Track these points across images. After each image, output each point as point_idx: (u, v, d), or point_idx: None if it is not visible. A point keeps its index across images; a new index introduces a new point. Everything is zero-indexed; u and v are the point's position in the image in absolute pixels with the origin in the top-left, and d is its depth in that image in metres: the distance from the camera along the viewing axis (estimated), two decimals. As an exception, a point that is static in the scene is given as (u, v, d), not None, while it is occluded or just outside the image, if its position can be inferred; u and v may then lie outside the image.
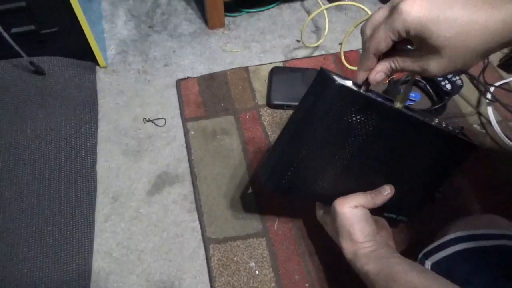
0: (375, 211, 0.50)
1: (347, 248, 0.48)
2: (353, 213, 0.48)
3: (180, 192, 0.70)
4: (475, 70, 0.83)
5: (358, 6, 0.82)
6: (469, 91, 0.83)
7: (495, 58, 0.87)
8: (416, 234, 0.64)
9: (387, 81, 0.81)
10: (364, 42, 0.39)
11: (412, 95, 0.80)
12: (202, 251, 0.64)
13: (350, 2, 0.83)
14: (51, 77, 0.80)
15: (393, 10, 0.34)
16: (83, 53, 0.81)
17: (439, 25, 0.33)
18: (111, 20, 0.95)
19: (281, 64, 0.87)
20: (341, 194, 0.49)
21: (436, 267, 0.47)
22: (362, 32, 0.39)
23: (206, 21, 0.94)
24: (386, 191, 0.50)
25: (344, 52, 0.81)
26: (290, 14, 0.97)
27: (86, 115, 0.78)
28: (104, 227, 0.66)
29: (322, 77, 0.44)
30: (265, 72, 0.85)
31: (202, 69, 0.86)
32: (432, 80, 0.80)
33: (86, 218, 0.66)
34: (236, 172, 0.72)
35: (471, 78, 0.83)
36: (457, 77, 0.79)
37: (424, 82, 0.81)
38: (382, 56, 0.40)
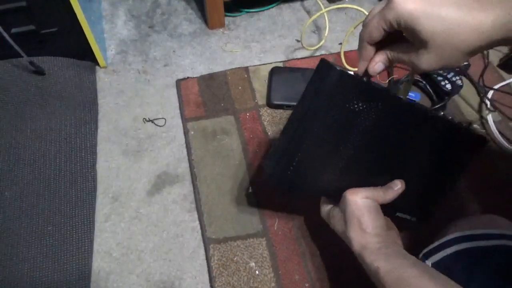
0: (388, 211, 0.49)
1: (356, 239, 0.46)
2: (364, 202, 0.47)
3: (180, 192, 0.70)
4: (475, 71, 0.83)
5: (357, 9, 0.82)
6: (469, 91, 0.83)
7: (495, 58, 0.87)
8: (416, 234, 0.64)
9: (387, 81, 0.81)
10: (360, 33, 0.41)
11: (412, 95, 0.81)
12: (202, 251, 0.64)
13: (349, 5, 0.83)
14: (51, 77, 0.80)
15: (389, 2, 0.36)
16: (83, 53, 0.81)
17: (429, 20, 0.34)
18: (111, 20, 0.95)
19: (281, 64, 0.87)
20: (348, 188, 0.48)
21: (436, 267, 0.47)
22: (362, 25, 0.41)
23: (206, 21, 0.94)
24: (397, 186, 0.49)
25: (344, 52, 0.81)
26: (290, 14, 0.97)
27: (86, 115, 0.78)
28: (104, 227, 0.66)
29: (323, 66, 0.44)
30: (265, 72, 0.85)
31: (202, 69, 0.86)
32: (432, 80, 0.80)
33: (86, 218, 0.66)
34: (236, 172, 0.72)
35: (471, 81, 0.83)
36: (457, 77, 0.79)
37: (424, 82, 0.81)
38: (380, 48, 0.41)
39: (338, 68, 0.41)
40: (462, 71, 0.81)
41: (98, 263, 0.63)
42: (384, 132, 0.46)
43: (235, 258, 0.63)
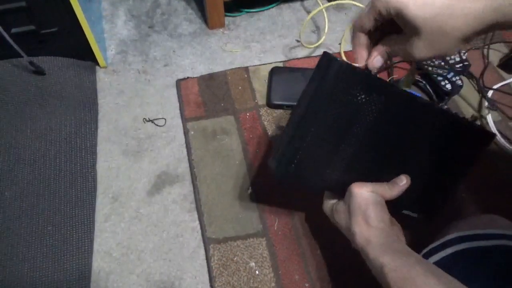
0: (394, 208, 0.49)
1: (360, 232, 0.45)
2: (370, 196, 0.47)
3: (180, 192, 0.70)
4: (475, 71, 0.83)
5: (356, 5, 0.82)
6: (469, 91, 0.83)
7: (495, 58, 0.87)
8: (416, 234, 0.64)
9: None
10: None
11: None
12: (202, 251, 0.64)
13: (348, 1, 0.83)
14: (51, 77, 0.80)
15: None
16: (83, 53, 0.81)
17: (418, 6, 0.34)
18: (111, 20, 0.95)
19: (281, 64, 0.87)
20: (353, 182, 0.48)
21: (436, 267, 0.47)
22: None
23: (206, 21, 0.94)
24: (402, 181, 0.48)
25: (344, 51, 0.81)
26: (290, 14, 0.97)
27: (86, 115, 0.78)
28: (104, 227, 0.66)
29: (325, 59, 0.44)
30: (265, 72, 0.85)
31: (202, 69, 0.86)
32: (432, 80, 0.80)
33: (86, 218, 0.66)
34: (236, 172, 0.72)
35: (471, 80, 0.83)
36: (457, 77, 0.79)
37: (424, 82, 0.81)
38: (377, 43, 0.42)
39: (339, 60, 0.42)
40: (462, 71, 0.81)
41: (98, 263, 0.63)
42: (387, 126, 0.46)
43: (235, 258, 0.63)
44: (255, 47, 0.91)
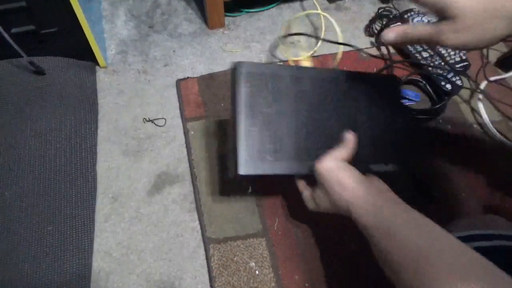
0: (362, 167, 0.51)
1: (340, 198, 0.47)
2: (336, 164, 0.49)
3: (180, 192, 0.70)
4: (475, 71, 0.83)
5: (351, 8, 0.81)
6: (469, 91, 0.83)
7: (494, 58, 0.87)
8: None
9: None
10: None
11: (412, 95, 0.81)
12: (202, 251, 0.64)
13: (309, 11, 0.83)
14: (51, 77, 0.80)
15: None
16: (83, 53, 0.81)
17: None
18: (111, 20, 0.95)
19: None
20: (315, 158, 0.51)
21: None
22: None
23: (206, 21, 0.94)
24: (348, 136, 0.51)
25: (344, 52, 0.81)
26: (290, 14, 0.97)
27: (86, 115, 0.78)
28: (104, 227, 0.66)
29: (232, 69, 0.52)
30: (265, 72, 0.85)
31: (202, 69, 0.86)
32: (432, 80, 0.80)
33: (86, 218, 0.66)
34: (236, 172, 0.72)
35: (468, 79, 0.83)
36: (457, 77, 0.79)
37: (424, 82, 0.81)
38: None
39: (236, 61, 0.50)
40: (462, 71, 0.81)
41: (98, 263, 0.63)
42: (311, 99, 0.54)
43: (235, 258, 0.63)
44: (255, 47, 0.91)
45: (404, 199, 0.46)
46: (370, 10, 0.97)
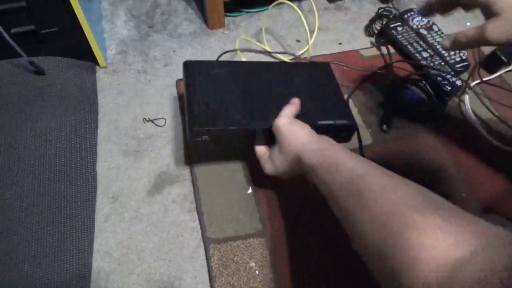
0: (311, 122, 0.57)
1: (293, 147, 0.52)
2: (290, 120, 0.55)
3: (180, 192, 0.70)
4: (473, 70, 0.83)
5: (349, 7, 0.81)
6: (468, 91, 0.83)
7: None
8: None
9: (389, 81, 0.81)
10: None
11: (412, 95, 0.80)
12: (202, 251, 0.64)
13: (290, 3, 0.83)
14: (51, 77, 0.80)
15: None
16: (83, 53, 0.81)
17: None
18: (111, 20, 0.95)
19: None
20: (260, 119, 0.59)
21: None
22: None
23: (206, 21, 0.94)
24: (293, 100, 0.59)
25: (344, 52, 0.81)
26: (290, 14, 0.97)
27: (86, 115, 0.78)
28: (104, 227, 0.66)
29: (183, 67, 0.65)
30: (265, 72, 0.85)
31: (202, 69, 0.86)
32: (432, 80, 0.80)
33: (86, 218, 0.66)
34: (236, 172, 0.72)
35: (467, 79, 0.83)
36: (457, 78, 0.79)
37: (424, 82, 0.81)
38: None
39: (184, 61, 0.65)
40: (462, 71, 0.81)
41: (98, 263, 0.63)
42: (257, 82, 0.65)
43: (235, 258, 0.63)
44: (255, 47, 0.91)
45: None
46: (370, 10, 0.97)
